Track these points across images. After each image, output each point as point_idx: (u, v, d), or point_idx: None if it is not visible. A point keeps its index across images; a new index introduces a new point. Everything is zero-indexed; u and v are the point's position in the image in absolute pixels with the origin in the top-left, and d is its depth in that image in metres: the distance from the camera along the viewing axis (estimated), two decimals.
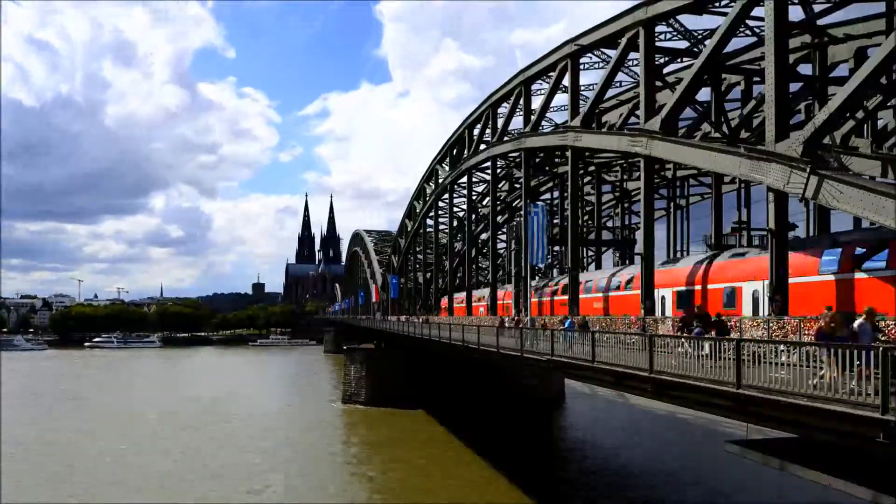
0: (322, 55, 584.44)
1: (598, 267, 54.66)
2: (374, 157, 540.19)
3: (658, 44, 31.64)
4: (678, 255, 45.02)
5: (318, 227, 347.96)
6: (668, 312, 28.97)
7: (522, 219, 42.91)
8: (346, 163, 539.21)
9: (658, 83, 32.17)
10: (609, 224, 57.90)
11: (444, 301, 68.73)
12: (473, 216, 64.13)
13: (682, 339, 17.88)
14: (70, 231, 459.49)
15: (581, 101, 37.93)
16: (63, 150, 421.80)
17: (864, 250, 20.24)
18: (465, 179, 59.83)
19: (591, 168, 48.02)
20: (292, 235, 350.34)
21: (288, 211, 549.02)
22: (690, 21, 32.20)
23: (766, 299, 23.02)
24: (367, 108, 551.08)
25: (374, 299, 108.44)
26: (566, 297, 38.42)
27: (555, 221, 50.82)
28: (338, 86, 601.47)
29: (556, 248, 49.74)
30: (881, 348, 10.98)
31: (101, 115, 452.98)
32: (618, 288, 35.44)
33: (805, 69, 30.83)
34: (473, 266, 65.71)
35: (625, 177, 51.10)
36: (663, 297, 30.25)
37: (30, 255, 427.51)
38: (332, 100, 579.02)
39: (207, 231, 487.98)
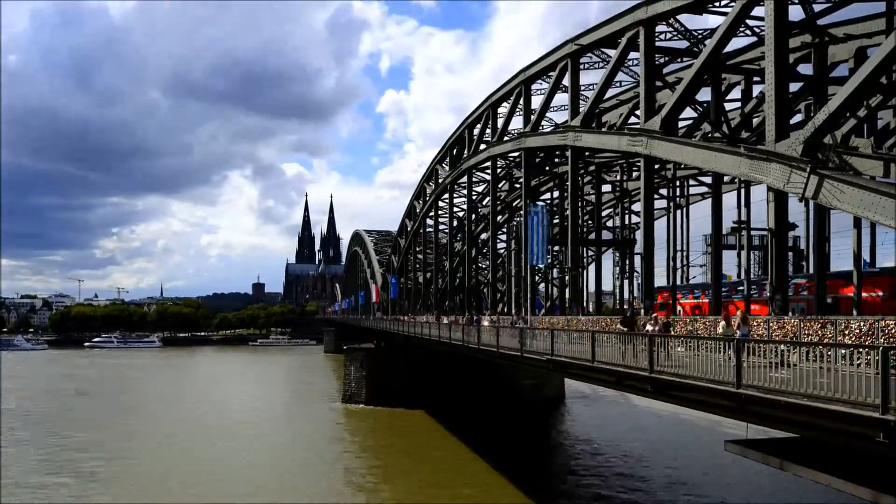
0: None
1: (598, 267, 54.27)
2: None
3: (658, 44, 31.60)
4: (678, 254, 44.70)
5: (318, 227, 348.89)
6: None
7: (522, 219, 42.85)
8: None
9: (658, 83, 32.15)
10: (609, 224, 57.78)
11: None
12: (473, 216, 64.02)
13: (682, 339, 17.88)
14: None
15: (581, 101, 37.90)
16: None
17: None
18: (465, 179, 59.73)
19: (591, 168, 47.92)
20: None
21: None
22: (690, 21, 32.25)
23: None
24: None
25: (374, 299, 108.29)
26: None
27: (555, 221, 50.72)
28: None
29: (556, 248, 49.65)
30: (881, 348, 10.99)
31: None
32: None
33: (805, 69, 30.81)
34: (473, 266, 65.58)
35: (625, 177, 51.02)
36: None
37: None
38: None
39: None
